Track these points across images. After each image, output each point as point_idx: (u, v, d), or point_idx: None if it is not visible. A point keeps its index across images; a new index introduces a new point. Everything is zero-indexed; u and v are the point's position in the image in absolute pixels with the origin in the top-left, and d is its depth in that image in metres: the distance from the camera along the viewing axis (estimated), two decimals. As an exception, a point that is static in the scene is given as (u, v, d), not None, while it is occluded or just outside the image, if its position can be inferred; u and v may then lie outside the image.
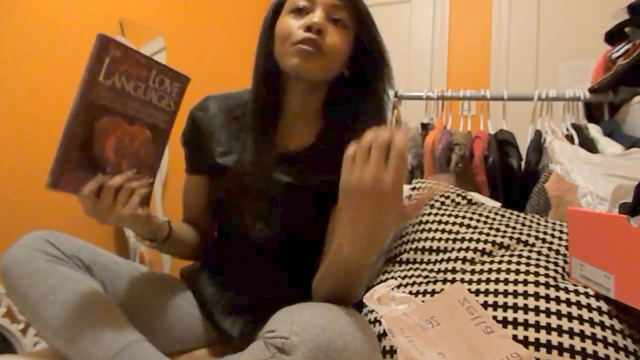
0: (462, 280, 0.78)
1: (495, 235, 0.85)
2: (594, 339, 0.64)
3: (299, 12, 0.81)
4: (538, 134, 1.65)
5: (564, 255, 0.80)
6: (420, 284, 0.82)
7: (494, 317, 0.69)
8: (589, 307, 0.68)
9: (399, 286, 0.84)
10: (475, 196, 1.08)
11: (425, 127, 1.86)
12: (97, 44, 0.67)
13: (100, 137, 0.70)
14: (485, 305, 0.71)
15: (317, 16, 0.79)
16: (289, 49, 0.80)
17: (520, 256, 0.79)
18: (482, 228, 0.88)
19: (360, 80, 0.86)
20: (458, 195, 1.04)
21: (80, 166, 0.69)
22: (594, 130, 1.52)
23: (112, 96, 0.70)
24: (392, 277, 0.89)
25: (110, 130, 0.71)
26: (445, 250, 0.86)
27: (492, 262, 0.79)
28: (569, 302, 0.69)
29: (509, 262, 0.78)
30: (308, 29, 0.78)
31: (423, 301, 0.68)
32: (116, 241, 1.87)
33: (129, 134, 0.73)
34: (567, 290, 0.71)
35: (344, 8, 0.81)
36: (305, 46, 0.78)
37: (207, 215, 0.99)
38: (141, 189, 0.73)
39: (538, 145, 1.60)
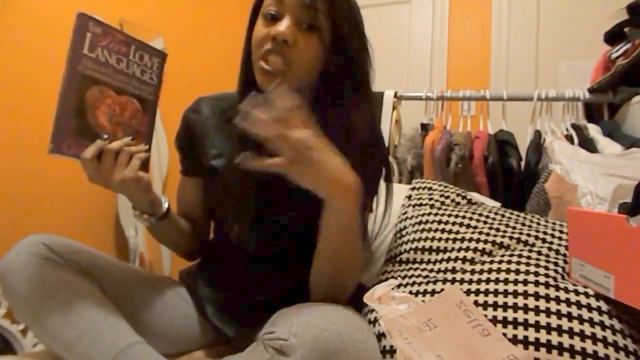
0: (462, 280, 0.78)
1: (495, 235, 0.85)
2: (593, 338, 0.64)
3: (271, 17, 0.76)
4: (538, 134, 1.65)
5: (564, 255, 0.80)
6: (420, 283, 0.82)
7: (494, 317, 0.69)
8: (589, 307, 0.68)
9: (399, 286, 0.84)
10: (475, 196, 1.08)
11: (425, 128, 1.86)
12: (77, 21, 0.74)
13: (91, 105, 0.76)
14: (485, 305, 0.71)
15: (283, 25, 0.74)
16: (256, 64, 0.78)
17: (520, 256, 0.79)
18: (482, 228, 0.88)
19: (342, 79, 0.81)
20: (458, 195, 1.04)
21: (78, 133, 0.75)
22: (594, 130, 1.52)
23: (97, 67, 0.77)
24: (392, 277, 0.89)
25: (100, 100, 0.77)
26: (445, 250, 0.86)
27: (492, 262, 0.79)
28: (568, 302, 0.68)
29: (509, 262, 0.78)
30: (273, 40, 0.74)
31: (423, 301, 0.68)
32: (116, 242, 1.87)
33: (119, 104, 0.80)
34: (567, 290, 0.71)
35: (315, 7, 0.74)
36: (268, 66, 0.75)
37: (200, 216, 0.98)
38: (140, 154, 0.78)
39: (538, 145, 1.60)
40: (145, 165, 0.81)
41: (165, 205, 0.88)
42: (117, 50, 0.79)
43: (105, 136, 0.77)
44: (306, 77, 0.79)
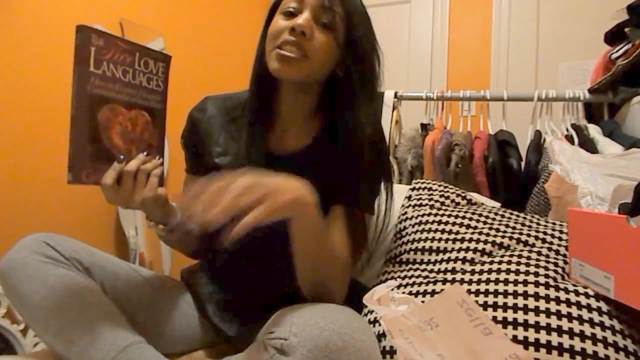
0: (462, 281, 0.78)
1: (495, 236, 0.85)
2: (594, 339, 0.64)
3: (289, 13, 0.80)
4: (538, 135, 1.65)
5: (564, 255, 0.80)
6: (420, 284, 0.82)
7: (494, 318, 0.69)
8: (589, 308, 0.68)
9: (398, 287, 0.84)
10: (475, 196, 1.08)
11: (425, 128, 1.86)
12: (78, 35, 0.70)
13: (104, 126, 0.74)
14: (485, 305, 0.71)
15: (303, 18, 0.78)
16: (272, 53, 0.80)
17: (520, 256, 0.79)
18: (482, 228, 0.88)
19: (352, 80, 0.84)
20: (458, 195, 1.04)
21: (95, 158, 0.72)
22: (594, 131, 1.53)
23: (105, 84, 0.74)
24: (392, 278, 0.89)
25: (112, 119, 0.75)
26: (445, 251, 0.86)
27: (492, 263, 0.79)
28: (568, 303, 0.68)
29: (509, 263, 0.78)
30: (292, 30, 0.77)
31: (423, 302, 0.68)
32: (116, 242, 1.87)
33: (130, 120, 0.78)
34: (567, 291, 0.71)
35: (333, 9, 0.79)
36: (286, 52, 0.77)
37: None
38: (156, 170, 0.78)
39: (538, 145, 1.60)
40: (160, 180, 0.80)
41: (179, 216, 0.87)
42: (122, 61, 0.76)
43: (122, 157, 0.75)
44: (319, 70, 0.82)
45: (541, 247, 0.82)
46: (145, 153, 0.78)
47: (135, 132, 0.78)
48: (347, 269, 0.82)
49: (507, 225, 0.89)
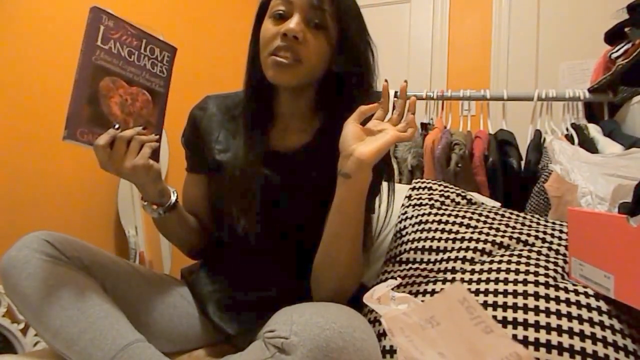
0: (462, 280, 0.78)
1: (495, 235, 0.85)
2: (593, 338, 0.64)
3: (279, 17, 0.79)
4: (538, 134, 1.65)
5: (564, 255, 0.80)
6: (420, 283, 0.82)
7: (494, 317, 0.69)
8: (589, 307, 0.68)
9: (398, 286, 0.84)
10: (475, 196, 1.08)
11: (425, 127, 1.86)
12: (91, 15, 0.77)
13: (104, 95, 0.78)
14: (485, 305, 0.71)
15: (293, 22, 0.77)
16: (266, 60, 0.80)
17: (520, 256, 0.79)
18: (482, 228, 0.88)
19: (348, 77, 0.84)
20: (458, 195, 1.04)
21: (92, 121, 0.76)
22: (594, 130, 1.53)
23: (110, 59, 0.79)
24: (392, 277, 0.89)
25: (113, 90, 0.79)
26: (445, 250, 0.86)
27: (492, 262, 0.79)
28: (568, 302, 0.68)
29: (509, 262, 0.78)
30: (284, 36, 0.77)
31: (423, 301, 0.68)
32: (116, 241, 1.88)
33: (130, 94, 0.82)
34: (566, 290, 0.71)
35: (323, 8, 0.78)
36: (280, 59, 0.77)
37: (206, 214, 0.99)
38: (150, 143, 0.80)
39: (538, 145, 1.60)
40: (155, 155, 0.82)
41: (174, 197, 0.88)
42: (128, 43, 0.81)
43: (117, 125, 0.78)
44: (314, 72, 0.82)
45: (541, 247, 0.82)
46: (142, 127, 0.82)
47: (135, 107, 0.82)
48: (362, 266, 0.82)
49: (507, 225, 0.89)
